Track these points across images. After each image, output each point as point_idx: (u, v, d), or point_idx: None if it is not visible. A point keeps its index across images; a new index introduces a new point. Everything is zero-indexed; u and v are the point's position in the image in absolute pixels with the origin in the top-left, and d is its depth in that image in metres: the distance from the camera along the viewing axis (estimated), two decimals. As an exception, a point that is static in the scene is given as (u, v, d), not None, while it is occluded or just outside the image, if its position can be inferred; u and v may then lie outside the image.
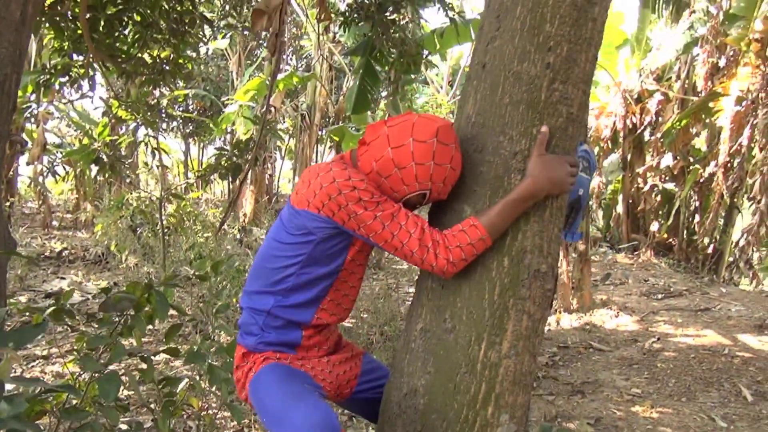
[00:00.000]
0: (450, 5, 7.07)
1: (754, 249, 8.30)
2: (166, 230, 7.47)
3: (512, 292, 1.71)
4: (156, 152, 8.12)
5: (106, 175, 6.61)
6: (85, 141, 10.03)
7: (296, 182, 1.90)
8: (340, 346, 2.05)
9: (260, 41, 13.63)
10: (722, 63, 9.27)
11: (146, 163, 12.88)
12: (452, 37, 8.02)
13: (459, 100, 1.92)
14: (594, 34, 1.77)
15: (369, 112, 9.53)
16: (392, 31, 7.02)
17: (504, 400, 1.70)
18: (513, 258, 1.71)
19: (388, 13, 6.69)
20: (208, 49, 12.34)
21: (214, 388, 3.50)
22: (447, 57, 16.00)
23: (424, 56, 7.58)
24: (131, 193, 9.06)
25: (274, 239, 1.85)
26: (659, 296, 7.70)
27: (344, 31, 7.88)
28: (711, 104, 9.10)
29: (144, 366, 2.59)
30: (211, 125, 14.12)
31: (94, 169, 11.26)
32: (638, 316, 6.81)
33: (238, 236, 8.94)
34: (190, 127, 13.59)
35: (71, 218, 12.31)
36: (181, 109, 13.58)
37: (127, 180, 9.76)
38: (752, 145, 8.70)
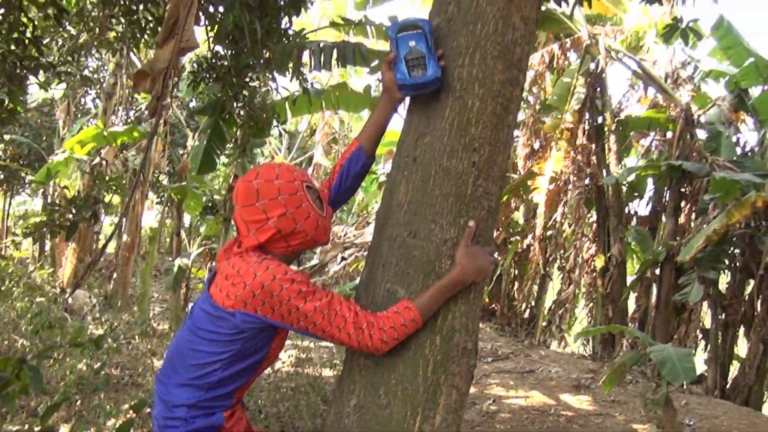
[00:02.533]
0: (304, 75, 7.29)
1: (569, 314, 9.27)
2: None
3: (444, 368, 1.86)
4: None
5: None
6: None
7: (218, 279, 1.88)
8: (250, 427, 2.05)
9: (90, 90, 12.95)
10: (537, 146, 10.45)
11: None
12: (304, 106, 8.26)
13: (386, 186, 2.08)
14: (508, 138, 2.03)
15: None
16: (244, 93, 7.04)
17: (436, 471, 1.82)
18: (444, 336, 1.87)
19: (246, 78, 6.73)
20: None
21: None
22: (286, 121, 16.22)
23: (277, 123, 7.70)
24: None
25: (197, 335, 1.82)
26: (489, 359, 8.27)
27: (193, 90, 7.78)
28: (529, 182, 10.15)
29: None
30: (26, 175, 13.00)
31: None
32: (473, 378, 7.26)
33: (64, 299, 8.21)
34: (1, 176, 12.38)
35: None
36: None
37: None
38: (563, 221, 9.81)
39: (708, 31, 8.81)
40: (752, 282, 7.87)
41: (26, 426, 4.29)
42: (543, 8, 7.90)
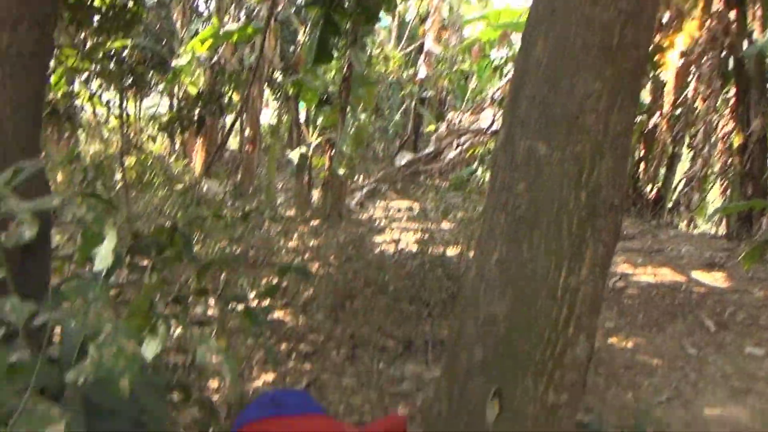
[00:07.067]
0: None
1: (696, 193, 8.81)
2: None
3: (590, 223, 1.84)
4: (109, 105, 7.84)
5: (63, 128, 6.37)
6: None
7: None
8: None
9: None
10: (666, 19, 9.60)
11: (97, 113, 12.33)
12: (414, -12, 8.00)
13: (521, 47, 2.00)
14: (658, -20, 1.88)
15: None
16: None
17: (582, 322, 1.85)
18: (590, 192, 1.84)
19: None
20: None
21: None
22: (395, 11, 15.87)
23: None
24: (78, 147, 8.72)
25: None
26: (613, 239, 8.10)
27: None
28: (656, 58, 9.44)
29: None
30: (150, 77, 13.62)
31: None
32: (597, 258, 7.17)
33: (198, 187, 8.77)
34: (130, 79, 13.04)
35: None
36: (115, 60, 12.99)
37: (73, 133, 9.36)
38: (695, 96, 9.12)
39: None
40: None
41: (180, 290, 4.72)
42: None
